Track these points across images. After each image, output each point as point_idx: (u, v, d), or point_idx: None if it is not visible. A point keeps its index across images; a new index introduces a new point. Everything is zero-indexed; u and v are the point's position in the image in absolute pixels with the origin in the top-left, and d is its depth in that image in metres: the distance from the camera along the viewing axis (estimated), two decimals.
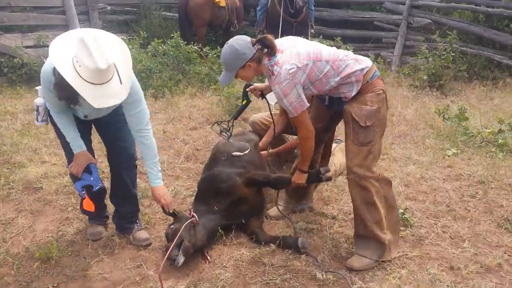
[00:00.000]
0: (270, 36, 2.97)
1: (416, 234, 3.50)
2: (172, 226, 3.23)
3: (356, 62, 2.98)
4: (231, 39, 3.05)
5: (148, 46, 8.12)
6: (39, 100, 3.03)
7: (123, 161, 3.31)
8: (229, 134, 3.64)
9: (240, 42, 2.98)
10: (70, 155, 3.09)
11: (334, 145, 4.57)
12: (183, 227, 3.07)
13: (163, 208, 3.30)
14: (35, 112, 3.09)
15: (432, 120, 6.18)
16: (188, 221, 3.15)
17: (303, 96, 2.94)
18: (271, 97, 4.36)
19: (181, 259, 3.01)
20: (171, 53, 7.79)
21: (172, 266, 3.06)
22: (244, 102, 3.60)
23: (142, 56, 7.71)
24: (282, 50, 2.95)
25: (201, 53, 8.03)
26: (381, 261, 3.11)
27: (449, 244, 3.39)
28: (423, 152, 5.20)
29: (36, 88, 3.10)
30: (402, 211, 3.64)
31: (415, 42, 9.71)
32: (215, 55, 7.69)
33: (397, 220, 3.26)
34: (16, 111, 6.43)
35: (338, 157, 4.54)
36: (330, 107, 3.29)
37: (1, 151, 5.01)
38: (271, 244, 3.33)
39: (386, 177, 3.19)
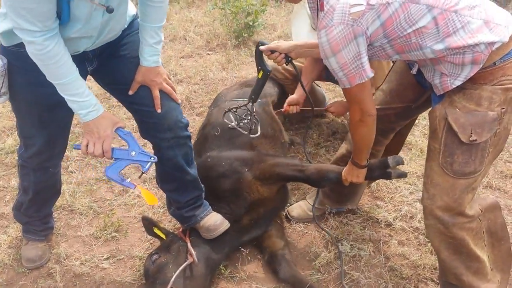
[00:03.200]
0: None
1: None
2: (155, 256, 2.08)
3: (485, 27, 1.59)
4: None
5: None
6: None
7: (168, 133, 1.97)
8: (250, 125, 2.31)
9: None
10: (57, 134, 1.96)
11: None
12: (175, 275, 1.93)
13: (146, 226, 2.21)
14: None
15: None
16: (185, 264, 2.00)
17: (365, 59, 1.68)
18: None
19: None
20: None
21: None
22: (260, 75, 2.17)
23: None
24: None
25: None
26: None
27: None
28: None
29: None
30: None
31: None
32: None
33: (509, 253, 2.08)
34: None
35: None
36: (419, 81, 1.96)
37: None
38: None
39: (491, 202, 1.98)
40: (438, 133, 1.75)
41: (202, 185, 2.21)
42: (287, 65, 2.20)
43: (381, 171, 2.14)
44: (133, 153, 1.79)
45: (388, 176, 2.16)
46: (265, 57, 2.17)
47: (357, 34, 1.60)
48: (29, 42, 1.53)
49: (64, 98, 1.68)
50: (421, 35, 1.62)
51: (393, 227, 2.54)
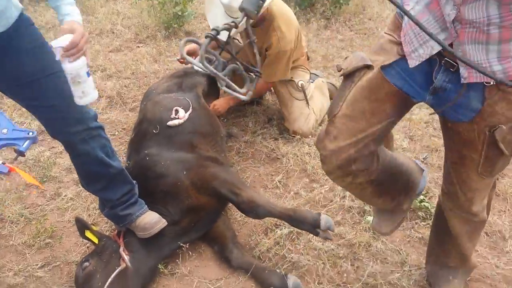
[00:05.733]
0: None
1: None
2: (86, 263, 2.02)
3: None
4: None
5: None
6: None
7: (78, 126, 1.82)
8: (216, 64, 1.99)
9: None
10: None
11: (311, 85, 3.34)
12: (106, 285, 1.89)
13: (80, 228, 2.11)
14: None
15: None
16: (116, 272, 1.95)
17: None
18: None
19: None
20: None
21: None
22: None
23: None
24: None
25: None
26: None
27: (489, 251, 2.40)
28: None
29: None
30: (423, 197, 2.58)
31: None
32: None
33: None
34: None
35: (316, 100, 3.31)
36: (402, 87, 1.52)
37: None
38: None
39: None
40: (477, 145, 1.51)
41: (134, 181, 2.16)
42: None
43: (310, 227, 2.14)
44: (4, 131, 1.46)
45: (315, 234, 2.16)
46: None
47: None
48: None
49: None
50: None
51: (329, 208, 2.62)
